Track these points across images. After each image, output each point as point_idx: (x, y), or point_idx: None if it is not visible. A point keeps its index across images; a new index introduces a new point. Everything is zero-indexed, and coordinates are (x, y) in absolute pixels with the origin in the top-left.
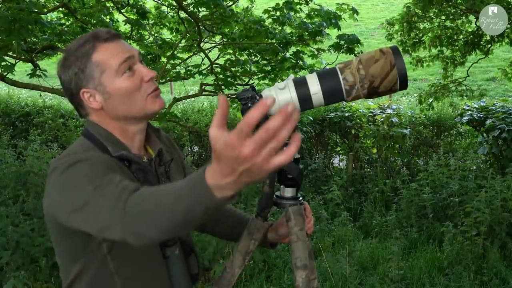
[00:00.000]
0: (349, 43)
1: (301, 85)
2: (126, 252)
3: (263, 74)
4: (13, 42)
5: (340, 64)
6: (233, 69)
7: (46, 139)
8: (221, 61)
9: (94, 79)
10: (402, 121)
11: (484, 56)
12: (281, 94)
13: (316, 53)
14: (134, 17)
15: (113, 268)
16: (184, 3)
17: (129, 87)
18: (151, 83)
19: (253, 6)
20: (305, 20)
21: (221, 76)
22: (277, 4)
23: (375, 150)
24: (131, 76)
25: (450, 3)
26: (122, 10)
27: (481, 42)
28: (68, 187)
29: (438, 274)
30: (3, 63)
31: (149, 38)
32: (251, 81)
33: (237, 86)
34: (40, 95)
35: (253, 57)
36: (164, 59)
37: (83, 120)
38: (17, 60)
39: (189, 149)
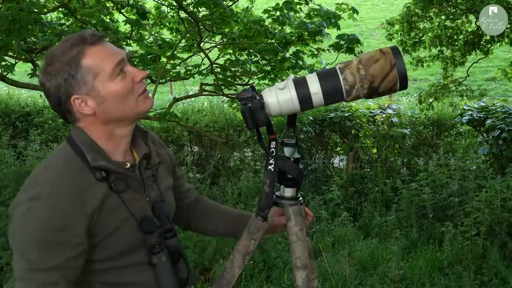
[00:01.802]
0: (349, 43)
1: (301, 85)
2: (111, 260)
3: (263, 74)
4: (13, 42)
5: (340, 64)
6: (233, 69)
7: (46, 139)
8: (221, 61)
9: (87, 84)
10: (402, 121)
11: (484, 56)
12: (281, 94)
13: (316, 53)
14: (134, 17)
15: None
16: (184, 3)
17: (123, 89)
18: (142, 83)
19: (253, 6)
20: (305, 20)
21: (221, 76)
22: (277, 4)
23: (375, 150)
24: (123, 78)
25: (450, 3)
26: (122, 10)
27: (481, 42)
28: (15, 243)
29: (438, 274)
30: (3, 63)
31: (149, 38)
32: (251, 81)
33: (237, 86)
34: (40, 95)
35: (253, 57)
36: (164, 59)
37: None
38: (17, 60)
39: (189, 149)
